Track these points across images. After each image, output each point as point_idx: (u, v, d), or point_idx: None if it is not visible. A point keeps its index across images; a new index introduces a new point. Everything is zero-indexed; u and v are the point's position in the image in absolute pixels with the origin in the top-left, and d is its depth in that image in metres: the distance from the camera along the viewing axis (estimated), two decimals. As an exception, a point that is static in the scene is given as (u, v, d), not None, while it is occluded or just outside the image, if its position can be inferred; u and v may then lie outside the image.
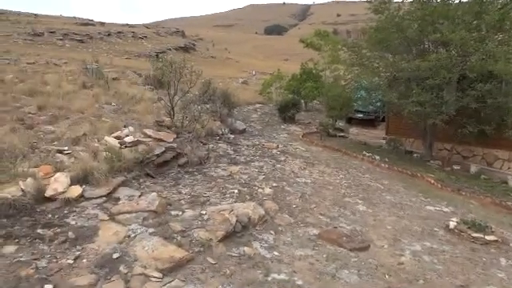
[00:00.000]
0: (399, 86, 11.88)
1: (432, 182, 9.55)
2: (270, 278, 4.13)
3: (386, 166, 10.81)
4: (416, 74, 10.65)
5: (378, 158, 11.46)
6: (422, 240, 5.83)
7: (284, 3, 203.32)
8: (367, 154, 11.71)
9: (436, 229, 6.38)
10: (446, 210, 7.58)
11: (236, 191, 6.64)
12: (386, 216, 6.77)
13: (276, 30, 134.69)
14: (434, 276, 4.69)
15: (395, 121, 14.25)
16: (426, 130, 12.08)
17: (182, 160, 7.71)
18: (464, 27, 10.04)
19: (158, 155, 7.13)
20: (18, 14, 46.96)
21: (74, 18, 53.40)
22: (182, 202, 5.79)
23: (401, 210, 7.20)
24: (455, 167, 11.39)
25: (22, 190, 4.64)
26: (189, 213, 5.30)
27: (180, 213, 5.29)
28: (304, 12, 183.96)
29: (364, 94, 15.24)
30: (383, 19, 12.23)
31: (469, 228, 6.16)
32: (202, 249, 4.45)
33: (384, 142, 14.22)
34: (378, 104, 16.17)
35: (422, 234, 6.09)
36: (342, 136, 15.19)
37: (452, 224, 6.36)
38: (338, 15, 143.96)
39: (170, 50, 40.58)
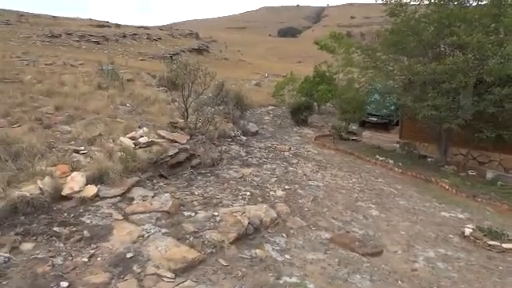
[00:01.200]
0: (414, 90, 11.73)
1: (447, 187, 9.41)
2: (281, 281, 4.13)
3: (400, 170, 10.69)
4: (432, 77, 10.51)
5: (391, 162, 11.34)
6: (436, 246, 5.76)
7: (298, 5, 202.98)
8: (380, 158, 11.60)
9: (451, 235, 6.29)
10: (461, 216, 7.46)
11: (248, 193, 6.66)
12: (399, 221, 6.70)
13: (290, 33, 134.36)
14: (449, 283, 4.63)
15: (409, 125, 14.06)
16: (441, 134, 11.88)
17: (195, 161, 7.76)
18: (481, 30, 9.87)
19: (171, 156, 7.19)
20: (38, 16, 47.99)
21: (91, 19, 54.25)
22: (195, 203, 5.83)
23: (414, 216, 7.12)
24: (471, 173, 11.18)
25: (40, 189, 4.75)
26: (201, 214, 5.34)
27: (193, 214, 5.33)
28: (318, 14, 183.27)
29: (378, 98, 15.08)
30: (399, 22, 12.10)
31: (485, 235, 6.05)
32: (214, 250, 4.48)
33: (398, 146, 14.05)
34: (392, 108, 15.98)
35: (436, 241, 6.01)
36: (354, 139, 15.07)
37: (467, 231, 6.26)
38: (353, 17, 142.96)
39: (183, 51, 40.84)
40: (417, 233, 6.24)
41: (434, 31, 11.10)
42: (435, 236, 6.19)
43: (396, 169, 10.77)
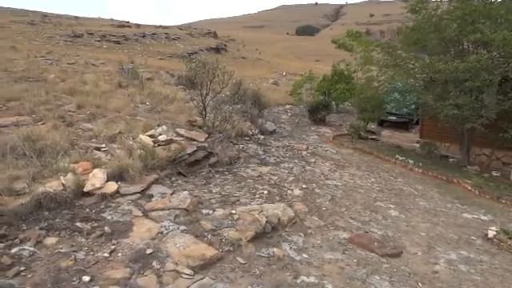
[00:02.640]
0: (436, 88, 11.48)
1: (469, 188, 9.17)
2: (299, 281, 4.11)
3: (420, 170, 10.48)
4: (454, 75, 10.25)
5: (411, 161, 11.12)
6: (457, 248, 5.62)
7: (316, 3, 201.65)
8: (400, 158, 11.39)
9: (473, 237, 6.12)
10: (484, 218, 7.26)
11: (266, 192, 6.66)
12: (419, 222, 6.57)
13: (307, 31, 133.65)
14: (471, 287, 4.51)
15: (430, 124, 13.79)
16: (464, 134, 11.60)
17: (213, 159, 7.81)
18: (507, 27, 9.56)
19: (189, 154, 7.26)
20: (60, 16, 49.22)
21: (112, 20, 55.28)
22: (213, 201, 5.87)
23: (435, 217, 6.96)
24: (494, 174, 10.86)
25: (63, 185, 4.87)
26: (219, 212, 5.37)
27: (211, 212, 5.37)
28: (336, 12, 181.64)
29: (398, 96, 14.83)
30: (420, 19, 11.86)
31: (509, 238, 5.87)
32: (231, 248, 4.49)
33: (418, 145, 13.79)
34: (413, 106, 15.69)
35: (457, 243, 5.86)
36: (373, 139, 14.85)
37: (491, 233, 6.08)
38: (372, 15, 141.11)
39: (201, 50, 41.15)
40: (438, 234, 6.10)
41: (456, 28, 10.82)
42: (457, 238, 6.04)
43: (416, 169, 10.56)
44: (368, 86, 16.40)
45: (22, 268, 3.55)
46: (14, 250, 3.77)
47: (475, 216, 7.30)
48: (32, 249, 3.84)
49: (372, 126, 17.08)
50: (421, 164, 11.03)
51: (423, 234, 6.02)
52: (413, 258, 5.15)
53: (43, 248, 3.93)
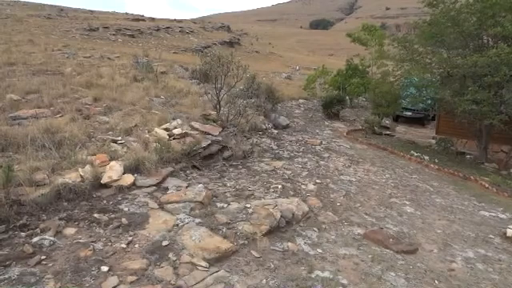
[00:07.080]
0: (453, 83, 11.28)
1: (486, 185, 9.01)
2: (313, 275, 4.11)
3: (436, 166, 10.33)
4: (472, 70, 10.05)
5: (426, 158, 10.97)
6: (475, 246, 5.53)
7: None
8: (415, 154, 11.25)
9: (491, 236, 6.02)
10: (502, 216, 7.12)
11: (280, 186, 6.65)
12: (435, 219, 6.49)
13: (321, 25, 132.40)
14: (489, 286, 4.44)
15: (447, 120, 13.57)
16: (482, 130, 11.38)
17: (227, 153, 7.84)
18: (529, 20, 9.32)
19: (204, 148, 7.30)
20: (76, 10, 49.76)
21: (126, 13, 55.59)
22: (227, 194, 5.90)
23: (451, 214, 6.87)
24: (513, 171, 10.65)
25: (81, 177, 4.96)
26: (234, 205, 5.39)
27: (225, 205, 5.39)
28: (351, 6, 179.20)
29: (414, 91, 14.61)
30: (438, 13, 11.63)
31: (529, 237, 5.75)
32: (246, 242, 4.51)
33: (434, 141, 13.59)
34: (429, 102, 15.45)
35: (475, 241, 5.77)
36: (388, 134, 14.70)
37: (509, 232, 5.97)
38: (387, 9, 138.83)
39: (215, 44, 41.13)
40: (454, 232, 6.02)
41: (476, 22, 10.60)
42: (474, 236, 5.95)
43: (432, 165, 10.41)
44: (383, 80, 16.20)
45: (43, 257, 3.63)
46: (35, 240, 3.87)
47: (493, 214, 7.17)
48: (52, 238, 3.93)
49: (387, 122, 16.89)
50: (436, 160, 10.87)
51: (439, 232, 5.95)
52: (429, 255, 5.10)
53: (63, 238, 4.01)
